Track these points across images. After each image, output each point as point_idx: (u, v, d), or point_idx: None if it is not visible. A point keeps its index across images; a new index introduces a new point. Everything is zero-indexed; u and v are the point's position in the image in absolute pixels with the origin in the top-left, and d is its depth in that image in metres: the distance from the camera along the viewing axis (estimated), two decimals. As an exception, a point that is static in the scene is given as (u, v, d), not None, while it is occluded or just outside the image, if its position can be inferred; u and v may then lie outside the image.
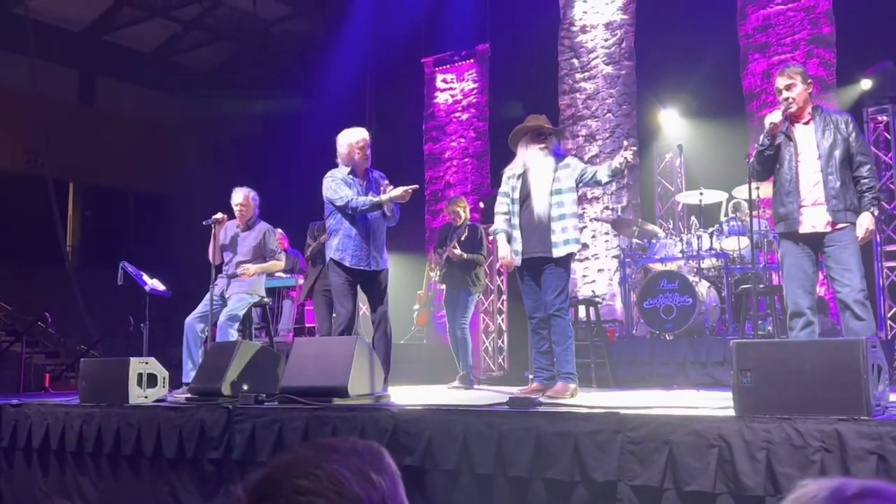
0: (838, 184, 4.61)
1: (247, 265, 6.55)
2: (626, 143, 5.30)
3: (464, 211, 7.81)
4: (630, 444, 3.46)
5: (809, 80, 4.83)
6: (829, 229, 4.62)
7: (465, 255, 7.36)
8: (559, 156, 5.48)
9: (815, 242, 4.69)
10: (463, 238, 7.47)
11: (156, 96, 14.30)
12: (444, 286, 7.86)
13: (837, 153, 4.64)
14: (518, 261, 5.37)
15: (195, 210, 6.90)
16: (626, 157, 5.16)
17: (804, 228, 4.68)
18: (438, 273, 7.85)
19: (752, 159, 4.95)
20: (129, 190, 14.04)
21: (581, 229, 5.46)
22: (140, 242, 13.13)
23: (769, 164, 4.84)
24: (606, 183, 5.47)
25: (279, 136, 12.84)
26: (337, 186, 5.59)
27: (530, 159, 5.42)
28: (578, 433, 3.58)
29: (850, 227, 4.60)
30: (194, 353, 6.37)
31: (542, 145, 5.41)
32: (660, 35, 9.83)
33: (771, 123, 4.73)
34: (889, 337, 7.85)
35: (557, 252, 5.22)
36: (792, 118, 4.80)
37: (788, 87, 4.75)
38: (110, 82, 14.19)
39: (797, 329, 4.66)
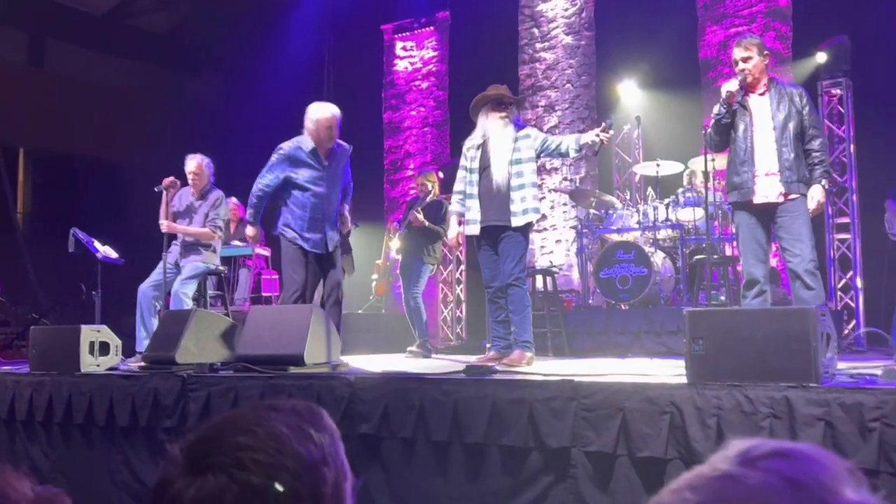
0: (792, 155, 4.69)
1: (173, 223, 6.47)
2: (604, 123, 5.30)
3: (432, 185, 7.82)
4: (584, 411, 3.50)
5: (766, 52, 4.89)
6: (781, 200, 4.70)
7: (426, 223, 7.37)
8: (519, 126, 5.48)
9: (768, 213, 4.76)
10: (425, 206, 7.49)
11: (108, 60, 13.96)
12: (399, 256, 7.88)
13: (791, 125, 4.72)
14: (475, 230, 5.38)
15: (149, 177, 6.76)
16: (601, 139, 5.20)
17: (758, 199, 4.75)
18: (397, 240, 7.86)
19: (709, 130, 5.00)
20: (82, 156, 13.73)
21: (540, 199, 5.47)
22: (92, 210, 12.88)
23: (725, 133, 4.89)
24: (572, 156, 5.47)
25: (236, 103, 12.65)
26: (269, 165, 5.62)
27: (490, 128, 5.42)
28: (533, 400, 3.62)
29: (802, 199, 4.68)
30: (148, 321, 6.29)
31: (503, 114, 5.41)
32: (619, 6, 9.83)
33: (727, 92, 4.78)
34: (839, 307, 8.02)
35: (516, 221, 5.23)
36: (748, 89, 4.86)
37: (745, 59, 4.81)
38: (61, 45, 13.83)
39: (750, 297, 4.74)
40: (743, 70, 4.80)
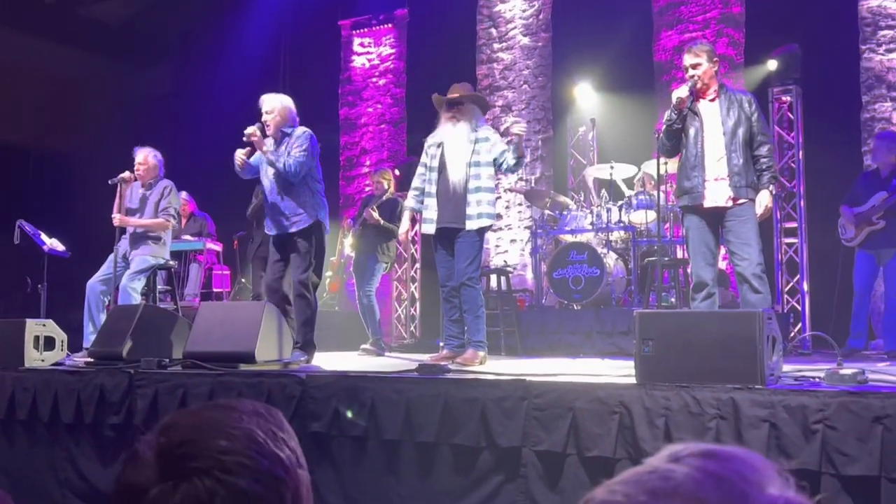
0: (741, 161, 4.77)
1: (125, 217, 6.35)
2: (510, 119, 5.39)
3: (388, 183, 7.81)
4: (535, 410, 3.52)
5: (716, 59, 4.97)
6: (730, 204, 4.78)
7: (381, 221, 7.36)
8: (482, 126, 5.49)
9: (717, 217, 4.84)
10: (380, 204, 7.48)
11: (58, 50, 13.68)
12: (353, 254, 7.87)
13: (741, 131, 4.80)
14: (431, 229, 5.38)
15: (97, 170, 6.65)
16: (516, 132, 5.32)
17: (707, 203, 4.82)
18: (352, 237, 7.84)
19: (661, 135, 5.07)
20: (29, 147, 13.45)
21: (495, 202, 5.49)
22: (40, 201, 12.62)
23: (676, 138, 4.96)
24: (515, 165, 5.44)
25: (189, 96, 12.47)
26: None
27: (445, 130, 5.44)
28: (486, 399, 3.63)
29: (750, 203, 4.77)
30: (96, 316, 6.19)
31: (450, 115, 5.43)
32: (575, 8, 9.90)
33: (677, 98, 4.86)
34: (785, 310, 8.17)
35: (470, 224, 5.24)
36: (698, 94, 4.93)
37: (695, 66, 4.89)
38: (9, 34, 13.52)
39: (699, 300, 4.80)
40: (693, 76, 4.88)
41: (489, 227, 5.44)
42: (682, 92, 4.86)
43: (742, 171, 4.76)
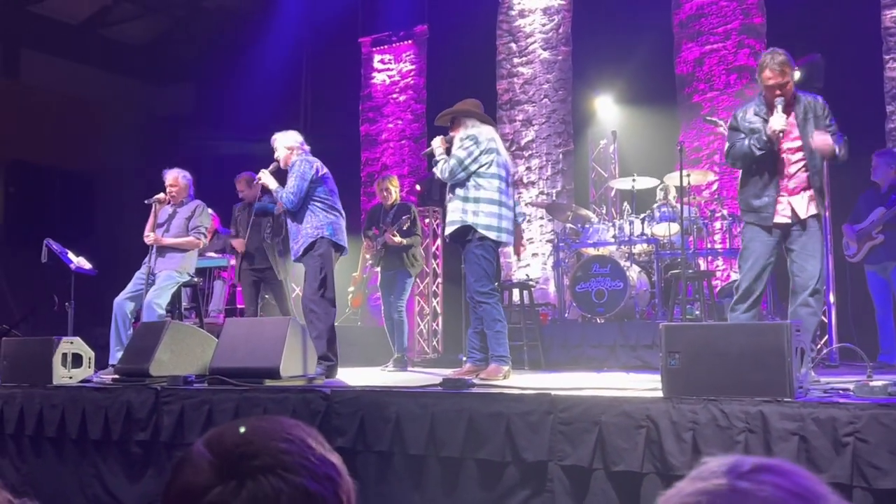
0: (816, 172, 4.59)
1: (158, 236, 6.46)
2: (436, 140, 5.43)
3: (395, 190, 7.74)
4: (561, 424, 3.50)
5: (794, 67, 4.58)
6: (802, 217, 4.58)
7: (403, 242, 7.32)
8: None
9: (784, 232, 4.61)
10: (399, 222, 7.43)
11: (84, 71, 13.85)
12: (378, 269, 7.81)
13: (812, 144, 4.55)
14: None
15: (123, 188, 6.74)
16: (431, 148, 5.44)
17: (778, 219, 4.58)
18: (375, 258, 7.74)
19: (734, 152, 4.63)
20: (56, 167, 13.60)
21: (470, 208, 5.34)
22: (66, 220, 12.74)
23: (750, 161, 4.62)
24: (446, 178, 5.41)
25: (211, 115, 12.59)
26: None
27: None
28: (510, 414, 3.61)
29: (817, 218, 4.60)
30: (122, 334, 6.24)
31: (451, 133, 5.53)
32: (596, 22, 9.90)
33: (779, 131, 4.43)
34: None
35: (447, 230, 5.39)
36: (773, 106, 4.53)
37: (783, 85, 4.47)
38: (36, 55, 13.70)
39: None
40: (781, 96, 4.44)
41: (484, 236, 5.23)
42: (780, 123, 4.40)
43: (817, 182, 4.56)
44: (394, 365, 7.25)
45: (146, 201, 6.50)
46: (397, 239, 7.29)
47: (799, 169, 4.60)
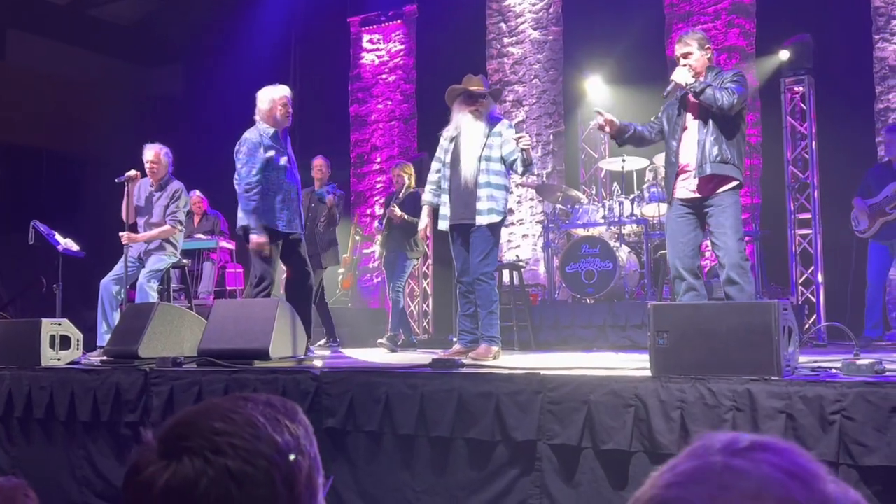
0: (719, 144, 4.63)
1: (133, 234, 6.34)
2: (516, 133, 5.23)
3: (409, 177, 7.82)
4: (550, 404, 3.51)
5: (708, 46, 4.79)
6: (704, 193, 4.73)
7: (405, 217, 7.38)
8: (494, 119, 5.38)
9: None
10: (402, 201, 7.53)
11: (71, 51, 13.73)
12: (380, 250, 7.99)
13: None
14: (445, 225, 5.36)
15: (111, 170, 6.65)
16: (521, 148, 5.11)
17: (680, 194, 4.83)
18: (379, 237, 7.93)
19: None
20: (43, 148, 13.51)
21: (506, 197, 5.38)
22: (54, 202, 12.68)
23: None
24: (523, 173, 5.34)
25: (201, 95, 12.51)
26: (250, 157, 5.49)
27: (462, 123, 5.35)
28: (500, 394, 3.62)
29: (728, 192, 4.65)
30: (109, 315, 6.22)
31: (473, 108, 5.32)
32: (586, 1, 9.86)
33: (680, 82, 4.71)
34: (800, 301, 8.13)
35: (480, 219, 5.19)
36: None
37: (686, 55, 4.75)
38: (22, 35, 13.58)
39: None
40: (685, 66, 4.71)
41: (501, 223, 5.33)
42: (683, 77, 4.65)
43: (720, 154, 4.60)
44: (387, 342, 7.32)
45: (117, 180, 6.27)
46: (398, 212, 7.42)
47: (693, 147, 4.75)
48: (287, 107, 5.61)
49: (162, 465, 0.91)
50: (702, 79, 4.70)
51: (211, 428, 0.92)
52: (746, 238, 7.74)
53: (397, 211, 7.42)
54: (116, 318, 6.08)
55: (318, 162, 7.82)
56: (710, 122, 4.63)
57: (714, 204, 4.63)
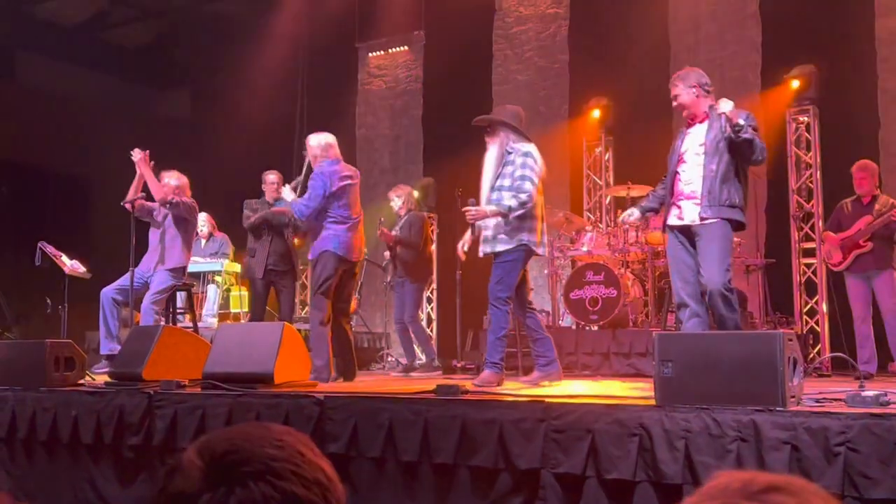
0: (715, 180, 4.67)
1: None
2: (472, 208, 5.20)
3: (399, 200, 7.86)
4: (554, 432, 3.50)
5: (693, 84, 4.84)
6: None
7: (401, 238, 7.45)
8: (512, 151, 5.30)
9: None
10: (402, 224, 7.59)
11: (80, 73, 13.83)
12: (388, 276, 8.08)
13: (721, 145, 4.65)
14: (480, 252, 5.38)
15: (118, 192, 6.71)
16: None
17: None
18: (386, 261, 8.08)
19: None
20: (50, 169, 13.58)
21: (520, 227, 5.28)
22: (60, 223, 12.72)
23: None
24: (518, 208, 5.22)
25: (208, 119, 12.57)
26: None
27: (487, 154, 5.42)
28: (504, 421, 3.61)
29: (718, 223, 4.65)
30: (110, 321, 6.29)
31: (488, 138, 5.40)
32: (592, 29, 9.93)
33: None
34: (804, 331, 8.11)
35: (484, 247, 5.25)
36: (688, 123, 4.90)
37: (674, 97, 4.90)
38: (32, 57, 13.69)
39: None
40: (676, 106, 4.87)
41: (519, 250, 5.18)
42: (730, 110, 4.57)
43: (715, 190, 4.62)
44: (422, 370, 7.39)
45: (123, 203, 6.56)
46: (386, 231, 7.58)
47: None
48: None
49: (221, 491, 0.90)
50: (702, 116, 4.80)
51: (265, 454, 0.93)
52: (752, 267, 7.75)
53: (385, 231, 7.53)
54: (116, 324, 6.26)
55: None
56: (726, 156, 4.63)
57: (703, 232, 4.64)
